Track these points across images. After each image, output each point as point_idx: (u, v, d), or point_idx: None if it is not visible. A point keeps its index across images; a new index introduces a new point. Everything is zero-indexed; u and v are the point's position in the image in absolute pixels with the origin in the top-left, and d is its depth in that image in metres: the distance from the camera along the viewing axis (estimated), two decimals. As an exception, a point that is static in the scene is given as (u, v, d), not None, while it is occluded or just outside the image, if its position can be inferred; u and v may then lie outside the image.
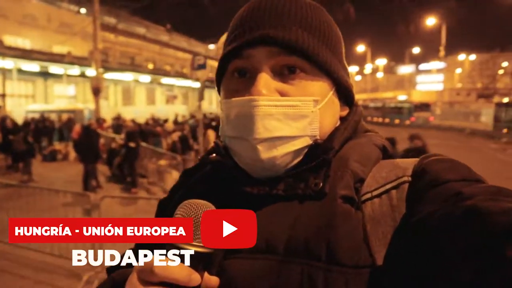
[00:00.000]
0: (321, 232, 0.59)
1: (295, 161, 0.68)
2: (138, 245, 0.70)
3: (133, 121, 13.86)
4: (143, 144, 11.25)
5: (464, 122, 33.97)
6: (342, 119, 0.76)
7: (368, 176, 0.66)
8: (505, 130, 25.35)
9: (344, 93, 0.76)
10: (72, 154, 14.27)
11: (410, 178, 0.62)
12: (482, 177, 0.59)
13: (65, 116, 19.14)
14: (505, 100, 39.94)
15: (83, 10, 32.81)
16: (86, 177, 9.72)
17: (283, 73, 0.68)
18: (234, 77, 0.72)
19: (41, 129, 16.37)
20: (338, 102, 0.75)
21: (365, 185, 0.65)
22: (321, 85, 0.70)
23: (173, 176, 9.61)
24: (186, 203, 0.59)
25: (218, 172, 0.76)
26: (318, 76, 0.70)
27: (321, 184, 0.64)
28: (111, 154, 11.57)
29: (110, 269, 0.77)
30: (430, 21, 45.31)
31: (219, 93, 0.78)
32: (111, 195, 7.56)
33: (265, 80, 0.67)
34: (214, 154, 0.79)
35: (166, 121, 19.97)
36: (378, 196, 0.62)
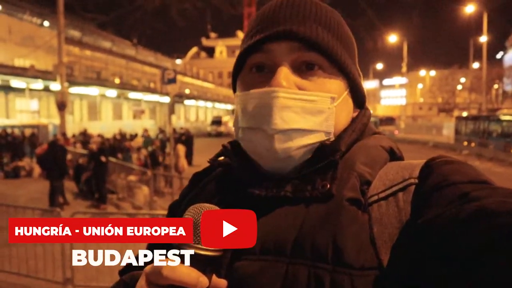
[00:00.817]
0: (328, 233, 0.59)
1: (307, 157, 0.68)
2: (150, 246, 0.69)
3: (101, 136, 13.56)
4: (112, 159, 10.99)
5: (427, 135, 35.08)
6: (351, 120, 0.76)
7: (375, 179, 0.66)
8: (465, 143, 26.35)
9: (357, 94, 0.76)
10: (37, 171, 13.77)
11: (416, 180, 0.62)
12: (489, 179, 0.58)
13: (28, 132, 18.52)
14: (464, 114, 41.67)
15: (46, 23, 32.08)
16: (53, 194, 9.39)
17: (302, 69, 0.69)
18: (252, 72, 0.72)
19: (4, 145, 15.75)
20: (351, 103, 0.76)
21: (372, 188, 0.65)
22: (338, 84, 0.71)
23: (144, 192, 9.41)
24: (193, 207, 0.59)
25: (227, 175, 0.76)
26: (335, 74, 0.71)
27: (328, 186, 0.64)
28: (78, 169, 11.24)
29: (122, 271, 0.76)
30: (392, 38, 46.89)
31: (234, 90, 0.77)
32: (82, 211, 7.32)
33: (285, 73, 0.67)
34: (222, 157, 0.79)
35: (135, 136, 19.62)
36: (385, 199, 0.62)
